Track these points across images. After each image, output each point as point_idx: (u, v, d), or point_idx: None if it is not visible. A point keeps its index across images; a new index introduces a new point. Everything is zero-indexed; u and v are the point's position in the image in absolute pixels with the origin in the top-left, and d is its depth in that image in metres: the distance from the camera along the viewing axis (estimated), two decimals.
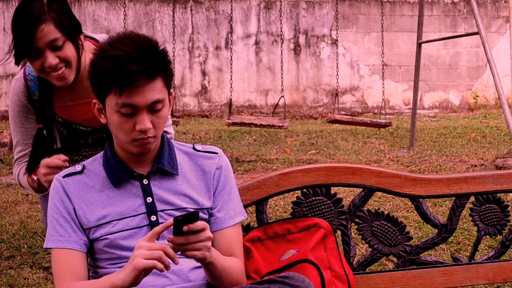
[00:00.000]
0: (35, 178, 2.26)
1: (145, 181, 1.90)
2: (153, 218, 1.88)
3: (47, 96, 2.31)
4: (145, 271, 1.68)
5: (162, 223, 1.85)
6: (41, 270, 3.71)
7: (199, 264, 1.88)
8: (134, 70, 1.77)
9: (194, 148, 2.00)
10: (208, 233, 1.73)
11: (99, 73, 1.82)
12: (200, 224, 1.71)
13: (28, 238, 4.11)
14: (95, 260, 1.91)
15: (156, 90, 1.82)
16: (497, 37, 11.49)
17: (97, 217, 1.87)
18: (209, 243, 1.74)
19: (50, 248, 1.89)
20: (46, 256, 3.87)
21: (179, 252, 1.72)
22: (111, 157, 1.92)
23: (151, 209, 1.88)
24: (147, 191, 1.89)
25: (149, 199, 1.89)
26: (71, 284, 1.83)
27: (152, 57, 1.81)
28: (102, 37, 2.33)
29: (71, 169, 1.94)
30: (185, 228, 1.68)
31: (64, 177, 1.92)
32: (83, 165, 1.95)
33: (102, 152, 1.97)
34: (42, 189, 2.30)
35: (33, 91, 2.30)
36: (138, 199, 1.89)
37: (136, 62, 1.78)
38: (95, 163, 1.95)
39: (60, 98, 2.33)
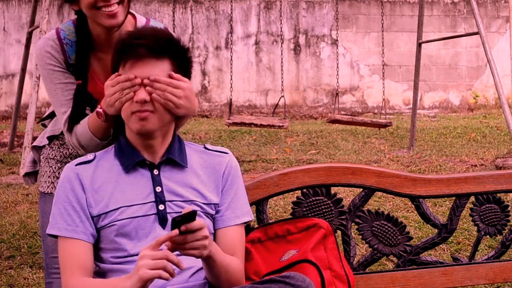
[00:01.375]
0: (100, 110, 2.05)
1: (155, 171, 1.93)
2: (161, 207, 1.90)
3: (85, 63, 2.23)
4: (151, 280, 1.70)
5: (170, 213, 1.89)
6: (41, 270, 3.70)
7: (199, 266, 1.89)
8: (140, 44, 1.87)
9: (205, 147, 2.04)
10: (205, 232, 1.74)
11: (114, 52, 1.94)
12: (197, 223, 1.72)
13: (28, 238, 4.11)
14: (100, 251, 1.91)
15: (159, 68, 1.89)
16: (497, 37, 11.49)
17: (106, 204, 1.89)
18: (206, 242, 1.75)
19: (53, 235, 1.90)
20: None
21: (177, 252, 1.74)
22: (124, 145, 1.96)
23: (159, 199, 1.90)
24: (156, 181, 1.92)
25: (158, 189, 1.91)
26: (78, 279, 1.84)
27: (164, 39, 1.92)
28: (139, 16, 2.35)
29: (82, 158, 1.97)
30: (182, 227, 1.70)
31: (76, 165, 1.95)
32: (95, 154, 1.98)
33: (114, 144, 2.00)
34: (107, 133, 2.15)
35: (69, 55, 2.24)
36: (148, 188, 1.91)
37: (145, 38, 1.89)
38: (106, 153, 1.99)
39: (94, 74, 2.26)
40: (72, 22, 2.28)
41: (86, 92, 2.24)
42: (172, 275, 1.69)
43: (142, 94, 1.87)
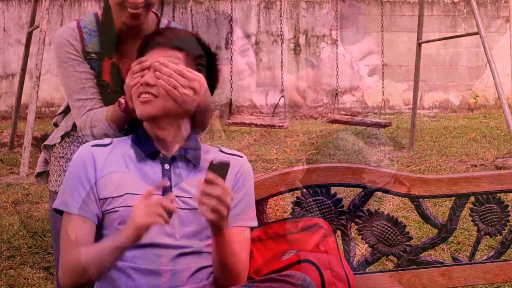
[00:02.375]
0: (122, 100, 2.08)
1: (166, 166, 1.94)
2: None
3: (108, 50, 2.28)
4: (146, 228, 1.72)
5: (176, 207, 1.88)
6: (41, 270, 3.71)
7: (198, 266, 1.89)
8: (160, 34, 1.98)
9: (220, 150, 2.06)
10: (229, 200, 1.75)
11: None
12: (229, 188, 1.75)
13: (28, 238, 4.11)
14: (102, 238, 1.91)
15: (173, 58, 1.94)
16: (497, 37, 11.48)
17: (113, 189, 1.89)
18: (226, 211, 1.75)
19: (58, 211, 1.91)
20: (46, 256, 3.87)
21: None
22: (142, 135, 1.98)
23: (166, 192, 1.90)
24: (166, 175, 1.93)
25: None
26: (76, 250, 1.84)
27: (183, 33, 2.02)
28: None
29: (99, 141, 1.99)
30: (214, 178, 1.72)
31: (92, 146, 1.96)
32: (112, 140, 2.00)
33: (133, 134, 2.03)
34: (123, 125, 2.17)
35: (87, 43, 2.28)
36: (156, 180, 1.92)
37: (165, 31, 2.02)
38: (124, 141, 2.01)
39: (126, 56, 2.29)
40: (94, 14, 2.34)
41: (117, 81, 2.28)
42: (166, 221, 1.71)
43: (146, 77, 1.91)
